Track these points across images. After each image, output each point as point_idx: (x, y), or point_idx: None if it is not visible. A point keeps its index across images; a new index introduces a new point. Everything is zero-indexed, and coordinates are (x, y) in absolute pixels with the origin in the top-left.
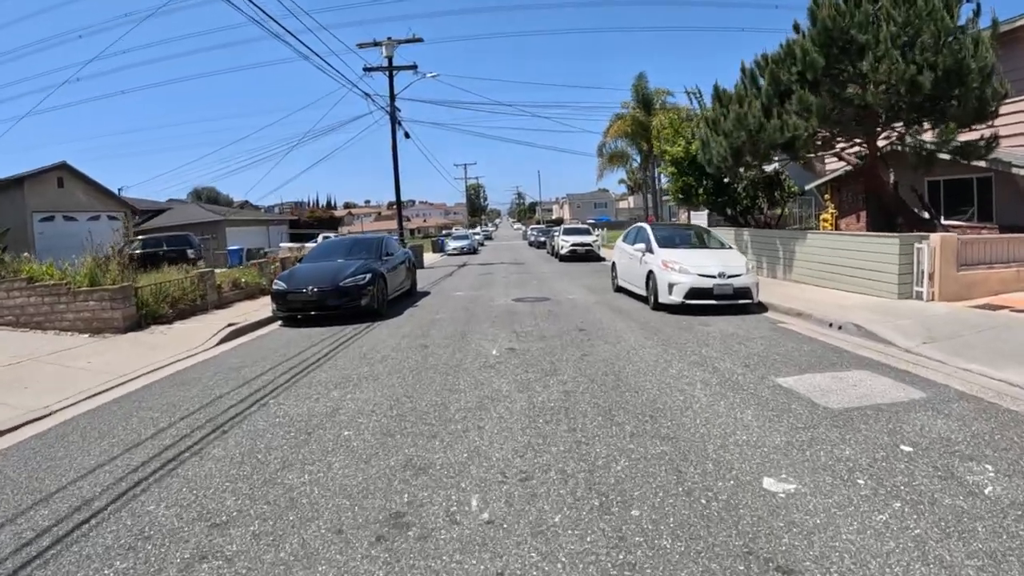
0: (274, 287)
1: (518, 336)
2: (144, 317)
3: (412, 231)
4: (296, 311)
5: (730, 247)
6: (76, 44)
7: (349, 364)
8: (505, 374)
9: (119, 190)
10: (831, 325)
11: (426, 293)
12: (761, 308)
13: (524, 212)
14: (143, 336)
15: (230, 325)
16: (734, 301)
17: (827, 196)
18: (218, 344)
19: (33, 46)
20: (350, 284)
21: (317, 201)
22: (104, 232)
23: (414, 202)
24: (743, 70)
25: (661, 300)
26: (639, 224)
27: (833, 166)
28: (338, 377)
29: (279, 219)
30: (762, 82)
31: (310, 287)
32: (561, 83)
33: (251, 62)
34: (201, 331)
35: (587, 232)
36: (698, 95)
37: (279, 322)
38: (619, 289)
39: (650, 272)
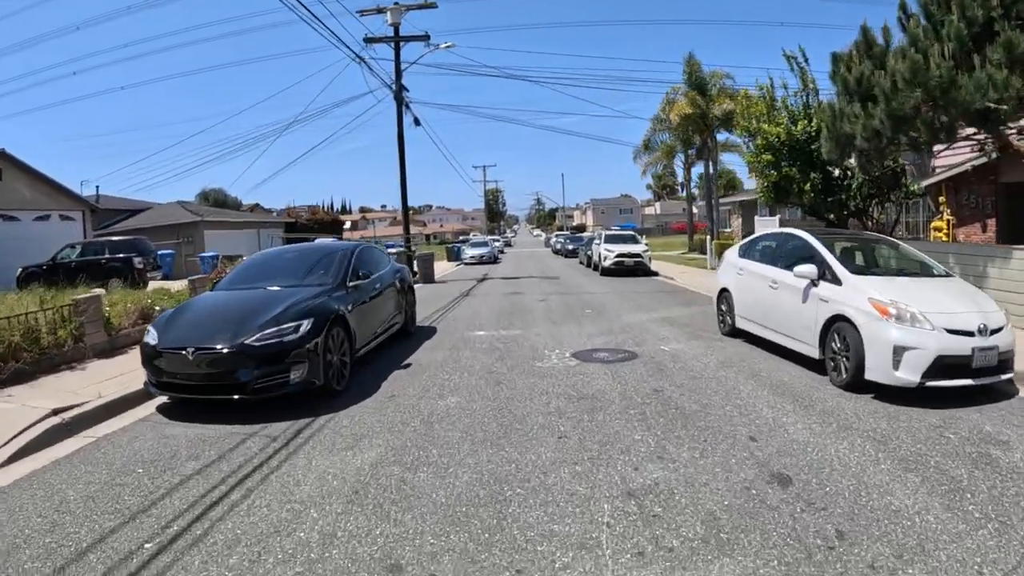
0: (144, 339)
1: (643, 520)
2: None
3: (428, 236)
4: (173, 390)
5: (945, 273)
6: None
7: None
8: None
9: (96, 189)
10: None
11: (430, 332)
12: (1010, 385)
13: (544, 218)
14: None
15: (56, 413)
16: (996, 378)
17: (942, 199)
18: (1, 465)
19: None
20: (269, 343)
21: (332, 205)
22: (53, 234)
23: (431, 207)
24: (902, 7)
25: (872, 375)
26: (781, 231)
27: (945, 161)
28: None
29: (273, 222)
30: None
31: (190, 347)
32: (576, 53)
33: (247, 57)
34: (9, 422)
35: (634, 240)
36: (800, 59)
37: (164, 397)
38: (735, 331)
39: (836, 319)
